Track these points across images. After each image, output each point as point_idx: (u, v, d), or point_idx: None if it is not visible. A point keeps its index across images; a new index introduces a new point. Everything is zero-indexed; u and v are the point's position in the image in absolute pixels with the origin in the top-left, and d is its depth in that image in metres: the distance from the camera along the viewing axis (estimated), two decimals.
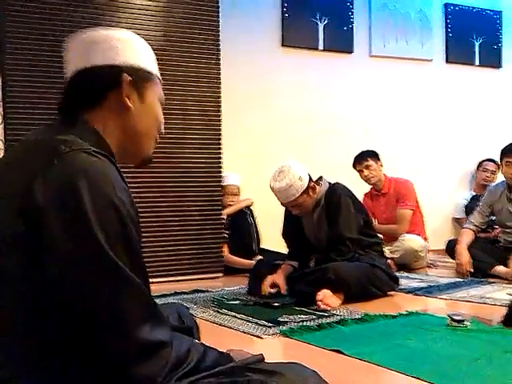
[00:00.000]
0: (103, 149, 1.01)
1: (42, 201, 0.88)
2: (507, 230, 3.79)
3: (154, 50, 1.23)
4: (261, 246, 4.33)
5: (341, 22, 5.13)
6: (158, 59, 1.24)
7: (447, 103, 5.66)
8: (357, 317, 2.53)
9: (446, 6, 5.65)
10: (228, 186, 4.27)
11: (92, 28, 1.14)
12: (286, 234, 3.34)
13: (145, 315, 0.92)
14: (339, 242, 3.00)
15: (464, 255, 3.69)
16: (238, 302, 3.05)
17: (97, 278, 0.89)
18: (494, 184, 4.18)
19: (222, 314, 2.72)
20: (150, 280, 0.98)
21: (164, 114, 1.23)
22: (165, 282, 3.74)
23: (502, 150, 3.74)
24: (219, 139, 4.16)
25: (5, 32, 3.54)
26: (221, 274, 4.11)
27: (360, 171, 4.38)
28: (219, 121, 4.16)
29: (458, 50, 5.70)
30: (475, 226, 3.87)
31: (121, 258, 0.90)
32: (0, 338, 0.91)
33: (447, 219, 5.61)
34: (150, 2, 3.94)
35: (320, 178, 3.16)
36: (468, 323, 2.28)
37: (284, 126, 4.90)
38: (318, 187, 3.09)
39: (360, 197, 3.78)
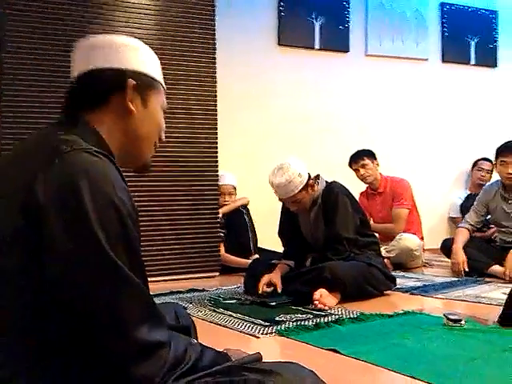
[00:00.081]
0: (103, 149, 1.02)
1: (42, 200, 0.88)
2: (502, 229, 3.80)
3: None
4: (257, 245, 4.33)
5: (337, 21, 5.13)
6: None
7: (443, 102, 5.67)
8: (353, 316, 2.54)
9: (442, 5, 5.66)
10: (223, 185, 4.27)
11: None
12: (283, 233, 3.34)
13: (144, 315, 0.93)
14: (336, 242, 3.00)
15: (459, 254, 3.69)
16: (234, 301, 3.05)
17: (97, 278, 0.89)
18: (489, 183, 4.19)
19: (219, 313, 2.72)
20: None
21: None
22: (161, 281, 3.73)
23: (497, 150, 3.74)
24: (215, 139, 4.15)
25: (5, 31, 3.53)
26: (217, 273, 4.11)
27: (356, 170, 4.38)
28: (215, 120, 4.15)
29: (453, 50, 5.71)
30: (471, 225, 3.88)
31: (120, 257, 0.90)
32: (0, 337, 0.91)
33: (443, 218, 5.62)
34: (146, 1, 3.94)
35: (317, 177, 3.16)
36: (464, 323, 2.29)
37: (280, 126, 4.90)
38: (316, 185, 3.10)
39: (356, 196, 3.79)
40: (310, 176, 3.05)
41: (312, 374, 1.08)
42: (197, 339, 1.38)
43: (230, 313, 2.70)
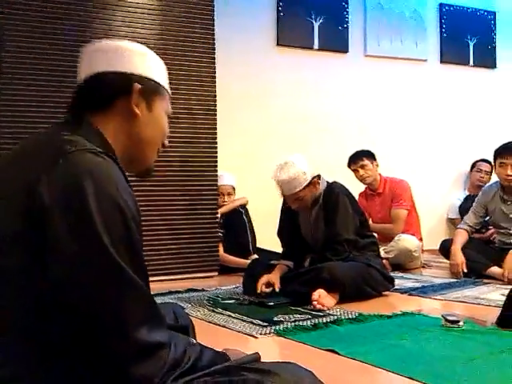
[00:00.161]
0: (107, 150, 1.03)
1: (47, 200, 0.88)
2: (501, 231, 3.80)
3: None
4: (256, 245, 4.32)
5: (336, 21, 5.14)
6: None
7: (442, 103, 5.68)
8: (351, 317, 2.54)
9: (441, 6, 5.67)
10: (222, 185, 4.27)
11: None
12: (282, 233, 3.34)
13: (145, 317, 0.93)
14: (335, 242, 3.00)
15: (458, 256, 3.69)
16: (232, 301, 3.05)
17: (101, 280, 0.90)
18: (488, 184, 4.18)
19: (217, 313, 2.72)
20: None
21: None
22: (159, 281, 3.72)
23: (496, 151, 3.74)
24: (215, 138, 4.15)
25: (4, 30, 3.52)
26: (216, 273, 4.11)
27: (355, 171, 4.37)
28: (215, 120, 4.15)
29: (452, 50, 5.71)
30: (469, 226, 3.88)
31: (124, 259, 0.91)
32: (1, 337, 0.91)
33: (441, 219, 5.63)
34: (145, 1, 3.93)
35: (318, 177, 3.15)
36: (462, 324, 2.29)
37: (279, 126, 4.90)
38: (318, 184, 3.09)
39: (355, 196, 3.78)
40: (313, 174, 3.05)
41: (310, 374, 1.08)
42: (195, 339, 1.38)
43: (229, 313, 2.70)
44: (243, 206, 4.38)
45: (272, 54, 4.92)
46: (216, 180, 4.18)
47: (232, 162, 4.46)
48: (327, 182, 3.18)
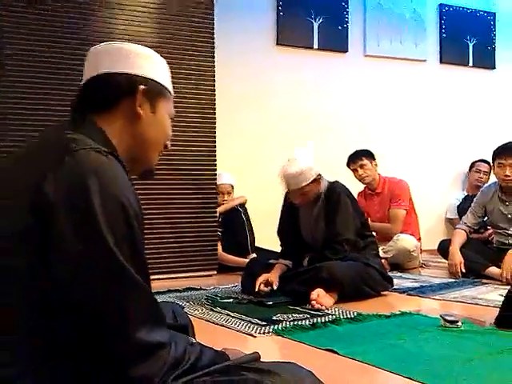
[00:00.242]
0: (109, 148, 1.04)
1: (52, 199, 0.89)
2: (499, 231, 3.80)
3: None
4: (255, 244, 4.32)
5: (336, 21, 5.13)
6: None
7: (441, 104, 5.68)
8: (350, 316, 2.54)
9: (441, 6, 5.67)
10: (221, 184, 4.28)
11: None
12: (282, 231, 3.34)
13: (146, 316, 0.94)
14: (335, 241, 3.00)
15: (456, 256, 3.69)
16: (231, 300, 3.05)
17: (105, 281, 0.90)
18: (486, 185, 4.19)
19: (216, 312, 2.72)
20: None
21: None
22: (158, 279, 3.72)
23: (494, 151, 3.74)
24: (214, 139, 4.15)
25: (3, 33, 3.52)
26: (214, 272, 4.11)
27: (354, 170, 4.37)
28: (214, 120, 4.15)
29: (451, 51, 5.71)
30: (468, 226, 3.89)
31: (126, 258, 0.92)
32: (6, 336, 0.92)
33: (440, 219, 5.63)
34: (145, 2, 3.93)
35: (320, 175, 3.16)
36: (461, 324, 2.29)
37: (279, 125, 4.90)
38: (321, 181, 3.10)
39: (354, 196, 3.79)
40: (317, 172, 3.06)
41: (310, 374, 1.08)
42: (194, 338, 1.38)
43: (227, 312, 2.71)
44: (242, 205, 4.38)
45: (272, 54, 4.91)
46: (215, 180, 4.19)
47: (232, 162, 4.46)
48: (329, 182, 3.18)
